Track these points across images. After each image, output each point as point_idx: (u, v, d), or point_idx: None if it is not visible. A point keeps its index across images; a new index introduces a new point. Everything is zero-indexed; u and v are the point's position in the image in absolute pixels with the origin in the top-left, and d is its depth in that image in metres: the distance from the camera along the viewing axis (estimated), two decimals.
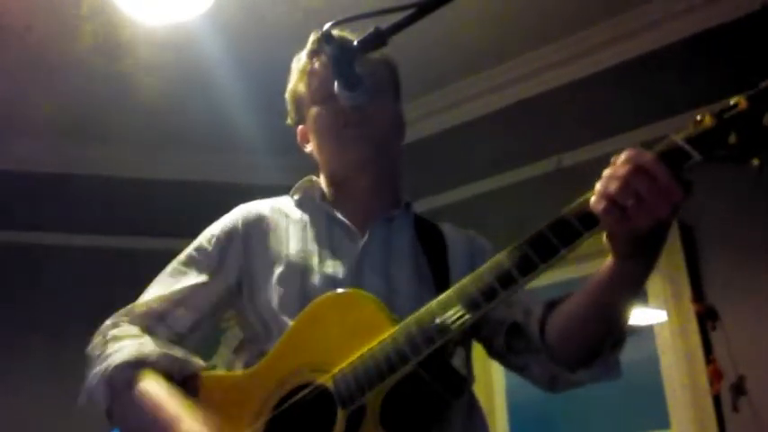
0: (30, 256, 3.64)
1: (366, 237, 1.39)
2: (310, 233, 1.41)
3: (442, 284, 1.34)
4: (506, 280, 1.08)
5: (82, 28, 2.99)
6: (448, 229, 1.50)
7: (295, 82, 1.51)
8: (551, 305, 1.29)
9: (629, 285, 1.14)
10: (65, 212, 3.71)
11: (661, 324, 2.81)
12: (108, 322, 1.38)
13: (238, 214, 1.47)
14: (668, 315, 2.77)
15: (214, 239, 1.44)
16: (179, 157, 3.81)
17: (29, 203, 3.68)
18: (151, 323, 1.36)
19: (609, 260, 1.13)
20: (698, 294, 2.68)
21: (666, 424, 2.68)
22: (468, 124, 3.50)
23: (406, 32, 1.21)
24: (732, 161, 0.99)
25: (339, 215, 1.42)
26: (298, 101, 1.51)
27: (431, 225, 1.49)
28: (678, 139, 1.00)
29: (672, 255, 2.78)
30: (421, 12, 1.17)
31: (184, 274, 1.41)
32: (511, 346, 1.33)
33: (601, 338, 1.22)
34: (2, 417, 3.29)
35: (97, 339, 1.34)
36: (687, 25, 2.96)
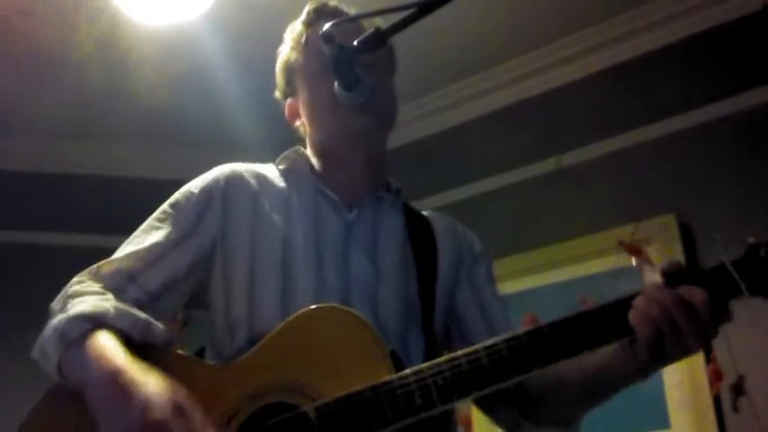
0: (29, 255, 3.64)
1: (354, 213, 1.34)
2: (295, 206, 1.35)
3: (426, 280, 1.33)
4: (524, 366, 1.05)
5: (82, 28, 2.99)
6: (435, 219, 1.46)
7: (288, 52, 1.46)
8: None
9: (633, 379, 1.13)
10: (65, 212, 3.70)
11: None
12: (74, 280, 1.29)
13: (220, 175, 1.39)
14: None
15: (193, 197, 1.36)
16: (179, 157, 3.81)
17: (29, 203, 3.68)
18: (120, 282, 1.27)
19: (617, 351, 1.11)
20: None
21: (666, 424, 2.68)
22: (469, 124, 3.50)
23: (407, 32, 1.21)
24: None
25: (327, 189, 1.36)
26: (289, 71, 1.46)
27: (418, 215, 1.45)
28: (735, 272, 1.01)
29: (672, 255, 2.78)
30: (421, 12, 1.17)
31: (158, 230, 1.33)
32: None
33: (582, 408, 1.25)
34: (0, 416, 3.29)
35: (59, 296, 1.26)
36: (687, 25, 2.96)
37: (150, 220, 1.37)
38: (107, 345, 1.13)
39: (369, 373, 1.09)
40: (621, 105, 3.09)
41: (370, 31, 1.22)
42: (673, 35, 3.00)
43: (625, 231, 2.81)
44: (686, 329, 1.00)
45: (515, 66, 3.33)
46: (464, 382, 1.06)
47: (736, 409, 2.49)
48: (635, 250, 2.79)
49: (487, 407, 1.32)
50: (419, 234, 1.39)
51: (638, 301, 1.03)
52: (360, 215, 1.35)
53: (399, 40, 1.24)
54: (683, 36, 2.98)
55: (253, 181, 1.38)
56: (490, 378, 1.05)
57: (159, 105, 3.43)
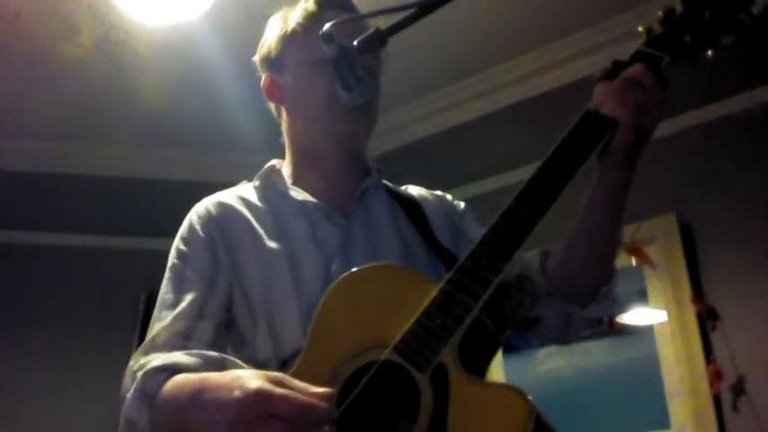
0: (29, 256, 3.64)
1: (345, 219, 1.34)
2: (288, 225, 1.34)
3: (435, 247, 1.35)
4: (539, 206, 1.17)
5: (82, 28, 2.99)
6: (416, 191, 1.48)
7: (294, 23, 1.40)
8: (545, 253, 1.33)
9: (623, 194, 1.24)
10: (65, 212, 3.71)
11: (661, 324, 2.81)
12: (130, 363, 1.25)
13: (209, 212, 1.37)
14: (668, 315, 2.77)
15: (196, 242, 1.34)
16: (179, 157, 3.81)
17: (28, 203, 3.68)
18: (179, 343, 1.25)
19: (597, 178, 1.24)
20: (698, 294, 2.68)
21: (666, 424, 2.68)
22: (469, 124, 3.50)
23: (407, 32, 1.21)
24: (691, 56, 1.24)
25: (312, 197, 1.36)
26: (287, 43, 1.42)
27: (403, 194, 1.45)
28: (648, 49, 1.20)
29: (672, 255, 2.78)
30: (421, 12, 1.17)
31: (185, 285, 1.31)
32: (521, 304, 1.32)
33: (602, 263, 1.29)
34: (0, 416, 3.29)
35: (125, 380, 1.23)
36: None
37: (169, 282, 1.33)
38: (188, 377, 1.12)
39: (423, 299, 1.11)
40: None
41: (371, 31, 1.22)
42: None
43: (625, 231, 2.81)
44: (644, 101, 1.15)
45: (515, 66, 3.33)
46: (501, 244, 1.11)
47: (736, 409, 2.49)
48: (635, 250, 2.79)
49: (532, 318, 1.32)
50: (410, 210, 1.41)
51: (598, 99, 1.17)
52: (352, 216, 1.35)
53: (399, 41, 1.23)
54: None
55: (242, 209, 1.37)
56: (520, 230, 1.12)
57: (159, 106, 3.43)
